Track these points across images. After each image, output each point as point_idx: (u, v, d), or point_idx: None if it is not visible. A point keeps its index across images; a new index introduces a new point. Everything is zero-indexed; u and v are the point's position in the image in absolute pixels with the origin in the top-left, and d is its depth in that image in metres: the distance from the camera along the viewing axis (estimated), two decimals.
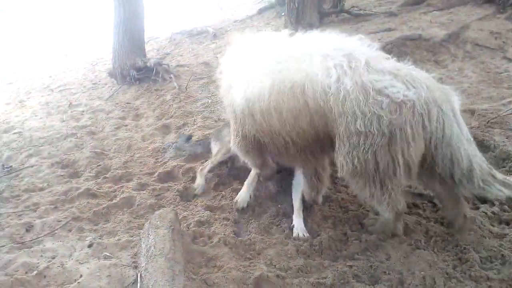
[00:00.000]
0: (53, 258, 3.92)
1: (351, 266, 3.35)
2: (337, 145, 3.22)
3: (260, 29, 12.05)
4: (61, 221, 4.51)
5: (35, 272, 3.63)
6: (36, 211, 4.81)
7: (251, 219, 4.26)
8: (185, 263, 3.57)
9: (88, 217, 4.60)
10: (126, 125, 7.27)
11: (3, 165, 6.10)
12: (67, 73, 12.29)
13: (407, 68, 3.17)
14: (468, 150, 3.09)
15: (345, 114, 3.04)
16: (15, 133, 7.55)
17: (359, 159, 3.09)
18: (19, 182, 5.55)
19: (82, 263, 3.78)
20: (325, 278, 3.24)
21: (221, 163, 5.20)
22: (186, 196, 4.85)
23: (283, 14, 11.64)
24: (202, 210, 4.44)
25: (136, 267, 3.64)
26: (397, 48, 7.50)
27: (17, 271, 3.70)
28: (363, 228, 3.85)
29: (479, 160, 3.15)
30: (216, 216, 4.35)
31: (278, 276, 3.30)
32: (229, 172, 5.11)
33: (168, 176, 5.29)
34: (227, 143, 4.76)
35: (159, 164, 5.62)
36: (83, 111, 8.35)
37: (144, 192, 4.93)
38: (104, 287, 3.44)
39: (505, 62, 7.04)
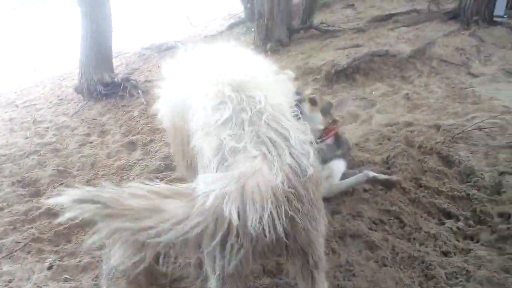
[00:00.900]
0: (10, 282, 3.79)
1: None
2: None
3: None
4: (20, 242, 4.35)
5: None
6: None
7: None
8: (148, 285, 3.47)
9: (49, 237, 4.45)
10: (91, 142, 7.12)
11: None
12: (33, 88, 12.04)
13: None
14: None
15: None
16: None
17: None
18: None
19: (40, 287, 3.65)
20: None
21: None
22: None
23: (253, 29, 11.66)
24: None
25: None
26: (365, 64, 7.56)
27: None
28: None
29: None
30: None
31: None
32: None
33: None
34: None
35: (124, 182, 5.48)
36: (47, 128, 8.15)
37: None
38: None
39: (470, 77, 7.16)
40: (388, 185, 4.30)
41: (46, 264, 3.96)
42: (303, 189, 2.07)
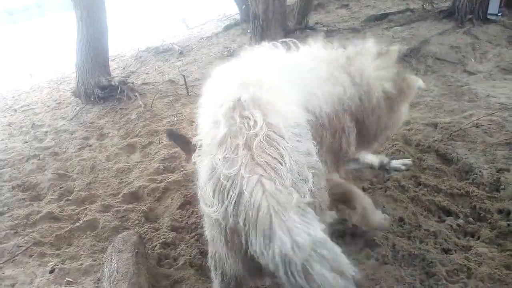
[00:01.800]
0: (13, 286, 3.82)
1: None
2: None
3: (227, 46, 12.08)
4: (22, 246, 4.37)
5: None
6: None
7: None
8: (150, 287, 3.49)
9: (50, 241, 4.49)
10: (90, 145, 7.13)
11: None
12: (30, 93, 12.03)
13: None
14: None
15: None
16: None
17: None
18: None
19: None
20: None
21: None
22: (152, 217, 4.76)
23: (248, 31, 11.67)
24: (168, 231, 4.36)
25: None
26: None
27: None
28: None
29: None
30: (181, 236, 4.27)
31: None
32: (196, 191, 5.03)
33: (133, 197, 5.19)
34: None
35: (123, 185, 5.50)
36: (46, 132, 8.16)
37: (108, 214, 4.82)
38: None
39: (466, 75, 7.20)
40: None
41: (48, 268, 3.99)
42: None
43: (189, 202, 4.86)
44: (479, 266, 3.27)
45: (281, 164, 1.98)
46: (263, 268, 1.94)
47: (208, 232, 2.39)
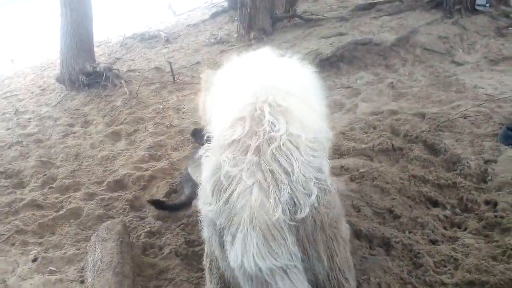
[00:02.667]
0: None
1: None
2: None
3: (214, 34, 11.96)
4: (4, 234, 4.29)
5: None
6: None
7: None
8: (135, 276, 3.44)
9: (33, 229, 4.40)
10: (75, 132, 7.02)
11: None
12: (14, 78, 11.84)
13: None
14: None
15: None
16: None
17: None
18: None
19: (25, 279, 3.62)
20: None
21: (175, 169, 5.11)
22: (137, 206, 4.70)
23: (236, 18, 11.58)
24: (153, 220, 4.30)
25: (82, 282, 3.50)
26: (348, 53, 7.55)
27: None
28: None
29: None
30: (167, 225, 4.21)
31: None
32: (182, 179, 4.98)
33: (117, 185, 5.11)
34: None
35: (108, 173, 5.43)
36: (29, 118, 8.02)
37: (92, 202, 4.74)
38: None
39: (453, 66, 7.19)
40: None
41: (31, 256, 3.90)
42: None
43: (175, 191, 4.81)
44: (466, 257, 3.26)
45: (288, 175, 1.92)
46: None
47: (205, 231, 2.30)
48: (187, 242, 3.89)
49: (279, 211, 1.82)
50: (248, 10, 9.85)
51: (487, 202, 3.86)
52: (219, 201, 1.94)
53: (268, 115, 2.10)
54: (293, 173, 1.91)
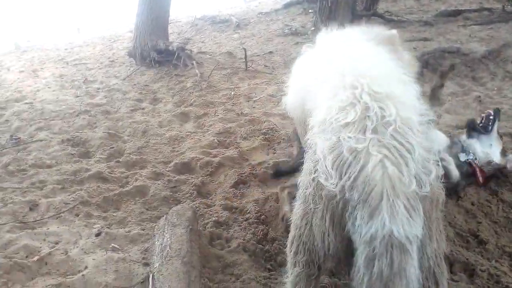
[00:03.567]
0: (57, 243, 3.64)
1: None
2: None
3: (287, 24, 11.71)
4: (69, 203, 4.20)
5: (36, 257, 3.38)
6: (42, 189, 4.51)
7: (274, 226, 3.91)
8: (201, 267, 3.27)
9: (97, 202, 4.31)
10: (143, 108, 6.95)
11: (11, 136, 5.80)
12: (84, 47, 11.98)
13: None
14: None
15: None
16: (26, 103, 7.24)
17: None
18: (26, 156, 5.24)
19: (87, 253, 3.51)
20: None
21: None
22: (204, 192, 4.54)
23: (311, 11, 11.34)
24: (221, 210, 4.12)
25: (146, 264, 3.35)
26: (435, 60, 7.16)
27: (17, 253, 3.44)
28: None
29: None
30: (235, 217, 4.03)
31: None
32: (251, 171, 4.79)
33: (185, 168, 4.97)
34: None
35: (175, 154, 5.30)
36: (98, 89, 8.03)
37: (159, 182, 4.62)
38: (110, 283, 3.17)
39: None
40: None
41: (94, 230, 3.79)
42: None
43: (243, 182, 4.63)
44: None
45: (409, 153, 1.94)
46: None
47: (300, 211, 2.33)
48: (255, 238, 3.70)
49: (414, 183, 1.87)
50: (329, 3, 9.56)
51: None
52: (344, 175, 1.95)
53: (373, 102, 2.10)
54: (414, 151, 1.94)
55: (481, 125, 4.28)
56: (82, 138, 5.76)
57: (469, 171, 4.07)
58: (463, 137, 4.33)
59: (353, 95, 2.18)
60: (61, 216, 4.02)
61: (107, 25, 14.94)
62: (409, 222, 1.83)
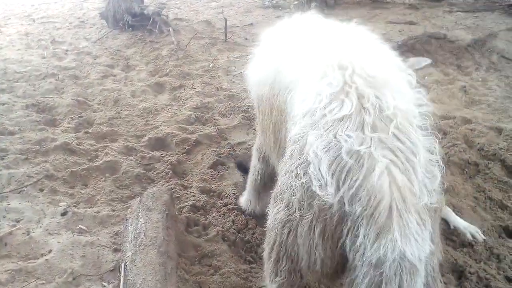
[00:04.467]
0: (18, 222, 3.36)
1: None
2: None
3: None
4: (32, 177, 3.89)
5: None
6: (3, 158, 4.18)
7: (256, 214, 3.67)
8: (178, 257, 3.02)
9: (64, 177, 4.00)
10: (115, 75, 6.56)
11: None
12: (51, 4, 11.39)
13: None
14: None
15: None
16: None
17: None
18: None
19: (52, 235, 3.25)
20: None
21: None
22: (179, 172, 4.26)
23: None
24: (198, 192, 3.85)
25: (116, 250, 3.11)
26: (421, 45, 6.97)
27: None
28: None
29: None
30: (213, 202, 3.78)
31: None
32: (230, 152, 4.52)
33: (159, 144, 4.68)
34: None
35: (149, 128, 4.98)
36: (67, 50, 7.58)
37: (131, 158, 4.32)
38: (77, 270, 2.93)
39: None
40: None
41: (60, 209, 3.51)
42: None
43: (222, 163, 4.38)
44: None
45: (414, 156, 1.71)
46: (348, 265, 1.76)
47: (281, 216, 1.99)
48: (235, 226, 3.46)
49: (425, 194, 1.66)
50: None
51: None
52: (344, 184, 1.68)
53: (368, 89, 1.85)
54: (419, 154, 1.73)
55: None
56: (48, 104, 5.38)
57: None
58: None
59: (343, 77, 1.91)
60: (24, 190, 3.72)
61: None
62: (422, 240, 1.62)
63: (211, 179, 4.12)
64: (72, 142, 4.49)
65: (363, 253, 1.63)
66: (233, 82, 6.29)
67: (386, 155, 1.67)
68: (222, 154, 4.47)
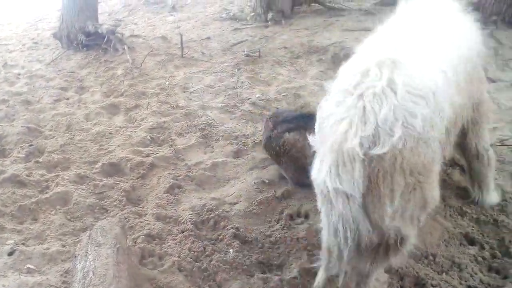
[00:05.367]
0: None
1: None
2: None
3: (226, 8, 11.29)
4: None
5: None
6: None
7: (213, 239, 3.56)
8: None
9: (12, 212, 3.85)
10: (68, 99, 6.40)
11: None
12: (4, 25, 11.11)
13: None
14: None
15: None
16: None
17: None
18: None
19: None
20: None
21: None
22: (134, 198, 4.13)
23: None
24: (153, 220, 3.72)
25: None
26: None
27: None
28: None
29: None
30: (169, 229, 3.64)
31: None
32: (187, 173, 4.41)
33: (113, 169, 4.54)
34: None
35: (103, 153, 4.84)
36: (19, 74, 7.39)
37: (83, 187, 4.18)
38: None
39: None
40: None
41: (7, 248, 3.34)
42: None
43: (179, 186, 4.25)
44: None
45: (375, 114, 2.07)
46: None
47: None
48: (191, 254, 3.34)
49: (356, 141, 2.03)
50: None
51: None
52: (318, 133, 2.34)
53: (375, 69, 2.22)
54: (380, 113, 2.06)
55: None
56: None
57: None
58: None
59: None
60: None
61: (34, 2, 13.94)
62: (332, 174, 2.13)
63: (167, 204, 3.99)
64: (21, 174, 4.32)
65: None
66: (190, 99, 6.18)
67: (348, 113, 2.15)
68: (178, 176, 4.35)
